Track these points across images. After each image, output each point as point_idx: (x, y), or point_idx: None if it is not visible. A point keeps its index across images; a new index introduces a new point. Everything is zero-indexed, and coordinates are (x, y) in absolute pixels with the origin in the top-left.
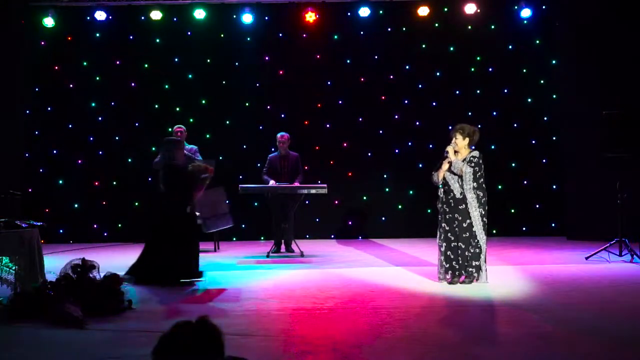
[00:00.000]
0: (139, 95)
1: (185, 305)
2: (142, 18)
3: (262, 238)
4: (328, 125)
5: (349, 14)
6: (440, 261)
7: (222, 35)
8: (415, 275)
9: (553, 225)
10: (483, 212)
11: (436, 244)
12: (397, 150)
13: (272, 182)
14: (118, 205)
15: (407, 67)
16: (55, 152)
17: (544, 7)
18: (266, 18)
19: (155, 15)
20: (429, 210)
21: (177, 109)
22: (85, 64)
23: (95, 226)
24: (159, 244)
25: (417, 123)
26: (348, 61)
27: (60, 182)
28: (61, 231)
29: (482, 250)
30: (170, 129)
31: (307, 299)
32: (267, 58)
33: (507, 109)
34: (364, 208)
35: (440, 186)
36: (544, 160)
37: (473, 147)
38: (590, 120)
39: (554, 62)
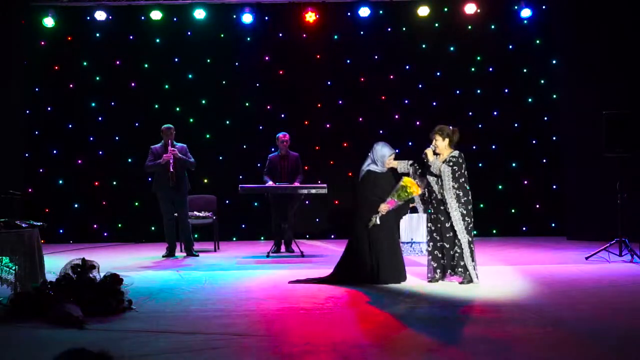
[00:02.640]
0: (139, 95)
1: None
2: (142, 18)
3: (262, 238)
4: (328, 125)
5: (349, 14)
6: (428, 261)
7: (222, 35)
8: (416, 275)
9: (553, 225)
10: (464, 212)
11: None
12: (397, 150)
13: (269, 183)
14: (118, 205)
15: (407, 67)
16: (55, 152)
17: (544, 7)
18: (266, 18)
19: (155, 15)
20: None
21: (177, 109)
22: (85, 64)
23: (95, 226)
24: (362, 246)
25: (417, 123)
26: (348, 61)
27: (60, 182)
28: (61, 231)
29: (464, 250)
30: None
31: (307, 299)
32: (267, 58)
33: (507, 109)
34: None
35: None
36: (544, 160)
37: (454, 147)
38: (590, 120)
39: (554, 62)
